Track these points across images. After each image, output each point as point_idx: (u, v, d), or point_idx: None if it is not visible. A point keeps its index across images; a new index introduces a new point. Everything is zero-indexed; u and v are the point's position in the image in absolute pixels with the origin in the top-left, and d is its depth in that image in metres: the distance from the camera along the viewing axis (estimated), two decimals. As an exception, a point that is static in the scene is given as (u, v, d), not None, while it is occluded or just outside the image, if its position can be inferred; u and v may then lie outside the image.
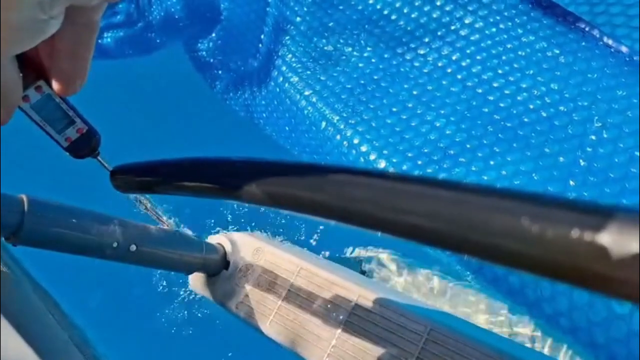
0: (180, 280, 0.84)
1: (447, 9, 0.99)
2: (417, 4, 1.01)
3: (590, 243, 0.14)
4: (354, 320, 0.42)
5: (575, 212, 0.15)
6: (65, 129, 0.36)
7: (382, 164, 0.86)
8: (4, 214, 0.37)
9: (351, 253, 0.83)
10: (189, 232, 0.53)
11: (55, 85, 0.28)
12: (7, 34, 0.21)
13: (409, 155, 0.85)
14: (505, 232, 0.16)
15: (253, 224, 0.85)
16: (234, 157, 0.28)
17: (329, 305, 0.44)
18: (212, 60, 1.18)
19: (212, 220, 0.86)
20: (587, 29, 0.89)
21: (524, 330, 0.71)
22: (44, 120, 0.34)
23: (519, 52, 0.91)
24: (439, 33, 0.97)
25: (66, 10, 0.24)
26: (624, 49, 0.86)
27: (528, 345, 0.68)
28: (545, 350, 0.68)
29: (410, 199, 0.19)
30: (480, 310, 0.74)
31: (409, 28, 1.00)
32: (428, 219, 0.18)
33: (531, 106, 0.85)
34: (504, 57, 0.91)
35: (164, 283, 0.88)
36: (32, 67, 0.29)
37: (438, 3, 1.00)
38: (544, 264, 0.16)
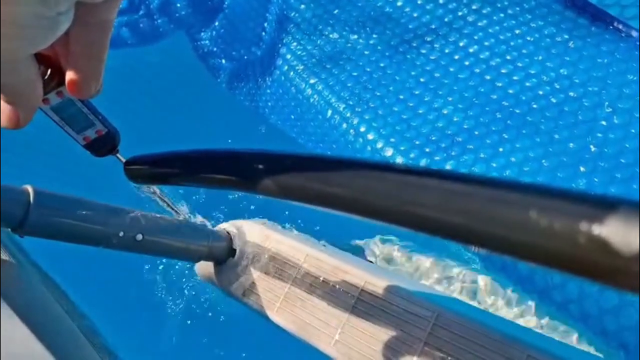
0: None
1: (454, -5, 0.98)
2: (423, -10, 1.00)
3: (594, 236, 0.14)
4: (361, 306, 0.42)
5: (582, 205, 0.15)
6: (84, 130, 0.36)
7: (389, 152, 0.86)
8: (9, 205, 0.37)
9: (357, 240, 0.83)
10: (198, 220, 0.53)
11: (69, 86, 0.27)
12: (11, 30, 0.21)
13: (416, 143, 0.85)
14: (514, 224, 0.16)
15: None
16: (246, 149, 0.29)
17: (336, 292, 0.44)
18: (215, 49, 1.17)
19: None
20: (596, 13, 0.88)
21: (533, 315, 0.70)
22: (63, 120, 0.34)
23: (528, 38, 0.89)
24: (446, 19, 0.96)
25: (78, 9, 0.23)
26: (634, 33, 0.84)
27: (537, 330, 0.68)
28: (555, 335, 0.68)
29: (421, 192, 0.19)
30: (489, 296, 0.73)
31: (415, 14, 0.99)
32: (442, 213, 0.19)
33: (540, 92, 0.84)
34: (512, 43, 0.90)
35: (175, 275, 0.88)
36: (54, 71, 0.29)
37: (445, -11, 0.99)
38: (550, 257, 0.16)
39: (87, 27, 0.25)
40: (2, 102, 0.25)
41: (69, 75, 0.27)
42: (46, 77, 0.29)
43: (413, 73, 0.93)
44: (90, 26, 0.25)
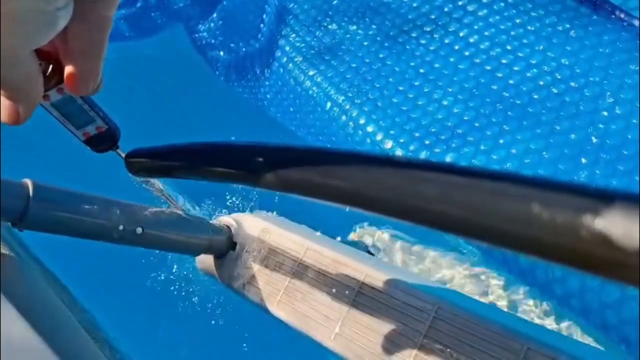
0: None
1: (454, -16, 0.97)
2: (423, -20, 0.99)
3: (596, 230, 0.15)
4: (362, 299, 0.42)
5: (584, 199, 0.15)
6: (84, 126, 0.36)
7: (388, 144, 0.85)
8: (9, 199, 0.37)
9: (357, 232, 0.83)
10: (197, 213, 0.53)
11: (67, 83, 0.27)
12: (11, 26, 0.21)
13: (416, 135, 0.84)
14: (516, 218, 0.16)
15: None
16: (246, 141, 0.28)
17: (336, 285, 0.44)
18: (213, 41, 1.16)
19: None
20: (598, 2, 0.87)
21: (533, 307, 0.70)
22: (63, 116, 0.34)
23: (528, 27, 0.89)
24: (445, 9, 0.95)
25: (77, 6, 0.23)
26: (636, 22, 0.83)
27: (537, 321, 0.68)
28: (556, 327, 0.68)
29: (422, 185, 0.19)
30: (489, 288, 0.73)
31: (414, 5, 0.98)
32: (443, 206, 0.19)
33: (541, 82, 0.83)
34: (512, 33, 0.89)
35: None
36: (55, 67, 0.29)
37: (445, -21, 0.98)
38: (552, 251, 0.16)
39: (86, 24, 0.25)
40: (2, 97, 0.25)
41: (67, 71, 0.27)
42: (47, 73, 0.29)
43: (412, 64, 0.92)
44: (89, 23, 0.25)
